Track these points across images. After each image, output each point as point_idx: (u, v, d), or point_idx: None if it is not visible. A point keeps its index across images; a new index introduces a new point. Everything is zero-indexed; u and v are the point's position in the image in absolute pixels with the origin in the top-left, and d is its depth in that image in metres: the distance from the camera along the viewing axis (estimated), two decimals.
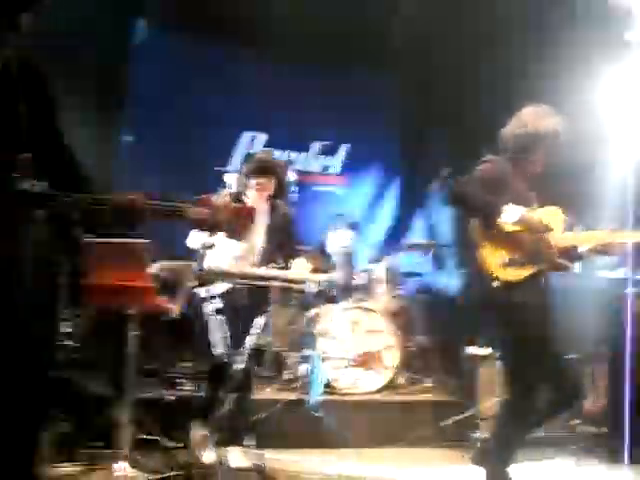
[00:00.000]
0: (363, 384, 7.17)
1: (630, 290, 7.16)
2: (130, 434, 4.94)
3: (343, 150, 10.30)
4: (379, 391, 7.21)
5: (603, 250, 4.82)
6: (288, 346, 7.43)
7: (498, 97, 7.82)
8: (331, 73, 9.61)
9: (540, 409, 4.65)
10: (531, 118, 4.87)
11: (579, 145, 5.08)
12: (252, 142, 9.70)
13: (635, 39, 6.22)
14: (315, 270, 5.65)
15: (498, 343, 4.98)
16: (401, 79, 9.95)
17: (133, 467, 4.92)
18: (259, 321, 5.29)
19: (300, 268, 5.49)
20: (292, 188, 7.83)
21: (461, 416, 6.67)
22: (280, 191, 5.88)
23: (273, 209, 5.85)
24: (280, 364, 7.38)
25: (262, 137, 9.76)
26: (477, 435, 6.36)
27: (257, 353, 5.91)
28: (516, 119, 4.93)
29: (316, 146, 10.17)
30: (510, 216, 4.56)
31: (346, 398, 7.01)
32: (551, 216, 4.83)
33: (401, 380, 7.48)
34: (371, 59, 9.30)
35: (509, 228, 4.61)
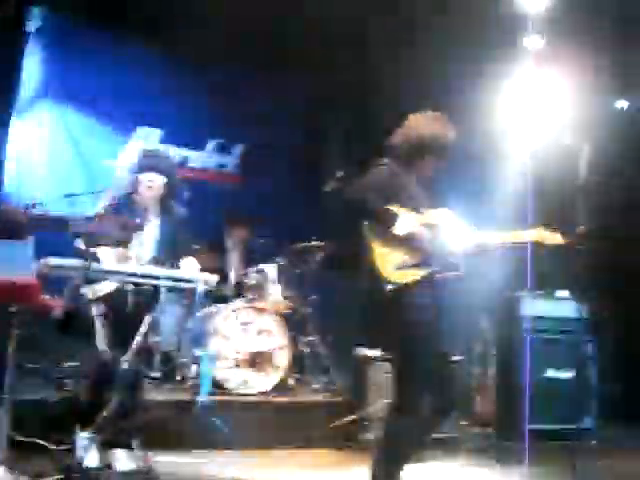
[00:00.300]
0: (254, 384, 7.12)
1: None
2: (6, 436, 4.77)
3: (240, 148, 10.21)
4: (270, 392, 7.16)
5: (482, 251, 4.87)
6: (178, 346, 7.32)
7: (400, 99, 7.91)
8: (233, 72, 9.51)
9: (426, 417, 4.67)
10: (418, 124, 4.90)
11: (473, 148, 5.14)
12: (145, 138, 9.51)
13: (531, 45, 6.32)
14: (206, 269, 5.57)
15: (388, 345, 4.98)
16: (304, 79, 9.92)
17: (11, 470, 4.75)
18: (147, 321, 5.18)
19: (189, 267, 5.41)
20: (185, 186, 7.71)
21: (351, 417, 6.68)
22: (171, 189, 5.78)
23: (163, 207, 5.74)
24: (170, 365, 7.27)
25: (156, 133, 9.60)
26: (366, 436, 6.38)
27: (146, 353, 5.80)
28: (404, 125, 4.96)
29: (212, 144, 10.06)
30: (401, 228, 4.58)
31: (236, 399, 6.94)
32: (442, 217, 4.87)
33: (292, 381, 7.46)
34: (275, 59, 9.24)
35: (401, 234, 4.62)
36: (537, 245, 4.95)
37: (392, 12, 8.13)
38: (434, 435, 6.39)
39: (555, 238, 4.96)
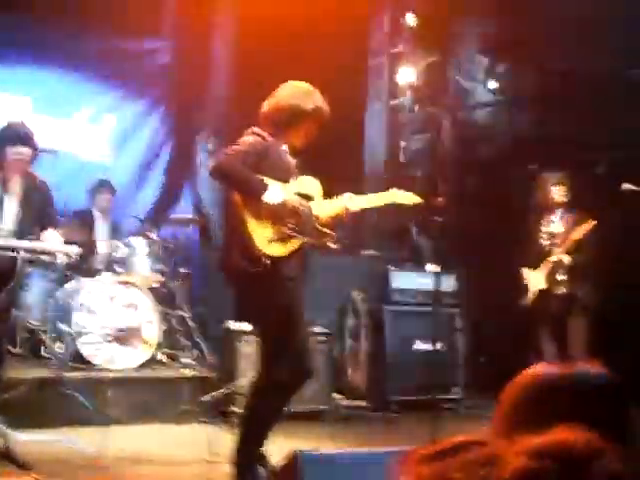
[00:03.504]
0: (122, 360, 6.97)
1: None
2: None
3: (110, 119, 9.95)
4: (138, 367, 7.04)
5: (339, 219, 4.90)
6: (43, 321, 7.11)
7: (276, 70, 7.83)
8: (100, 40, 9.23)
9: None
10: (291, 94, 4.86)
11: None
12: (13, 107, 9.14)
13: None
14: (73, 242, 5.42)
15: (257, 317, 4.93)
16: (177, 46, 9.72)
17: None
18: (6, 294, 5.00)
19: (51, 239, 5.24)
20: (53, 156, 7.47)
21: (221, 391, 6.63)
22: (36, 160, 5.61)
23: (27, 179, 5.56)
24: (34, 340, 7.07)
25: (24, 102, 9.24)
26: (235, 410, 6.34)
27: (6, 328, 5.62)
28: (276, 94, 4.91)
29: (81, 114, 9.77)
30: (272, 197, 4.54)
31: (104, 375, 6.78)
32: (310, 186, 4.86)
33: (161, 356, 7.35)
34: (145, 28, 9.03)
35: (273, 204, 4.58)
36: (393, 206, 5.00)
37: None
38: (306, 408, 6.53)
39: (411, 198, 5.01)
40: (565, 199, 6.98)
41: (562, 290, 6.89)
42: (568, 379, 1.41)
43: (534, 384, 1.42)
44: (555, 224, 6.97)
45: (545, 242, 6.97)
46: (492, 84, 9.24)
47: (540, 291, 6.94)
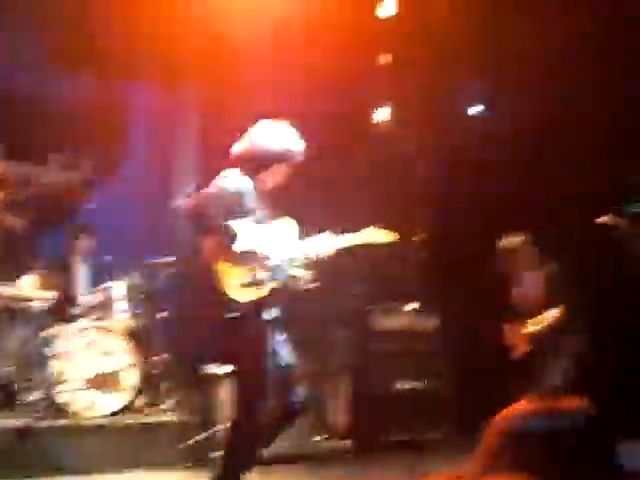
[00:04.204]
0: (100, 407, 6.87)
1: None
2: None
3: (88, 163, 9.88)
4: (117, 413, 6.94)
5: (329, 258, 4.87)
6: (19, 369, 7.00)
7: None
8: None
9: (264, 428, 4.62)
10: (262, 135, 4.84)
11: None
12: None
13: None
14: (50, 287, 5.38)
15: (233, 362, 4.90)
16: None
17: None
18: None
19: (27, 285, 5.19)
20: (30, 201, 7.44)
21: (201, 436, 6.55)
22: (9, 204, 5.58)
23: (2, 224, 5.52)
24: (10, 389, 6.96)
25: None
26: (217, 455, 6.26)
27: None
28: (249, 136, 4.89)
29: (57, 158, 9.70)
30: (242, 244, 4.52)
31: (82, 422, 6.69)
32: (285, 228, 4.83)
33: (141, 402, 7.25)
34: None
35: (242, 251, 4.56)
36: (372, 246, 4.98)
37: None
38: (289, 450, 6.46)
39: (388, 236, 4.99)
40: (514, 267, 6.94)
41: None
42: (539, 425, 1.39)
43: (507, 429, 1.40)
44: (525, 286, 6.88)
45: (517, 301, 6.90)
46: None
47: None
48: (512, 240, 6.84)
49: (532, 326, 6.71)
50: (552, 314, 6.61)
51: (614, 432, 1.44)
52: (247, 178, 4.79)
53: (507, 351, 6.95)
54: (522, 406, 1.48)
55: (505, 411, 1.48)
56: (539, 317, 6.67)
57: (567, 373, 6.59)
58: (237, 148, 4.88)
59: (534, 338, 6.66)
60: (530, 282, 6.74)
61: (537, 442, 1.39)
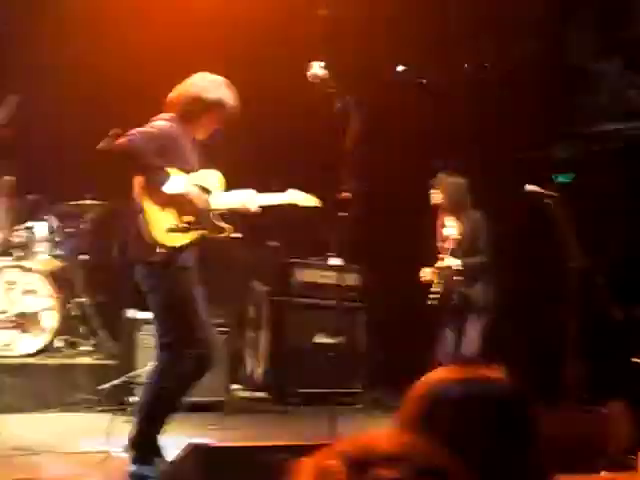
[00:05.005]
0: (19, 347, 6.84)
1: None
2: None
3: (13, 99, 9.65)
4: (36, 354, 6.91)
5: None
6: None
7: None
8: None
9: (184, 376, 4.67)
10: (200, 85, 4.85)
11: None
12: None
13: None
14: None
15: (156, 307, 4.90)
16: None
17: None
18: None
19: None
20: None
21: (118, 380, 6.57)
22: None
23: None
24: None
25: None
26: (133, 399, 6.30)
27: None
28: (185, 83, 4.89)
29: None
30: (172, 187, 4.52)
31: (1, 361, 6.66)
32: (211, 179, 4.85)
33: (59, 343, 7.23)
34: None
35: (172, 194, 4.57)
36: (292, 207, 5.04)
37: None
38: (207, 398, 6.51)
39: (310, 200, 5.06)
40: (442, 202, 7.01)
41: (457, 290, 6.90)
42: (457, 392, 1.44)
43: (424, 396, 1.45)
44: (448, 226, 6.95)
45: (440, 243, 6.99)
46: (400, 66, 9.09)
47: (437, 292, 6.94)
48: (453, 178, 6.92)
49: (446, 262, 6.80)
50: (468, 260, 6.76)
51: (530, 403, 1.51)
52: (181, 124, 4.79)
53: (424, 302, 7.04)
54: (442, 373, 1.54)
55: (425, 377, 1.53)
56: (456, 258, 6.79)
57: (481, 335, 6.77)
58: (173, 92, 4.87)
59: (447, 274, 6.76)
60: (456, 224, 6.82)
61: (455, 409, 1.45)
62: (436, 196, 6.90)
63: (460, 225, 6.77)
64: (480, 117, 8.53)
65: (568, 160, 8.50)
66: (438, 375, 1.51)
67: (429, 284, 6.81)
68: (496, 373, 1.52)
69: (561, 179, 8.33)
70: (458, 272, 6.78)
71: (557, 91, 8.61)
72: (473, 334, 6.83)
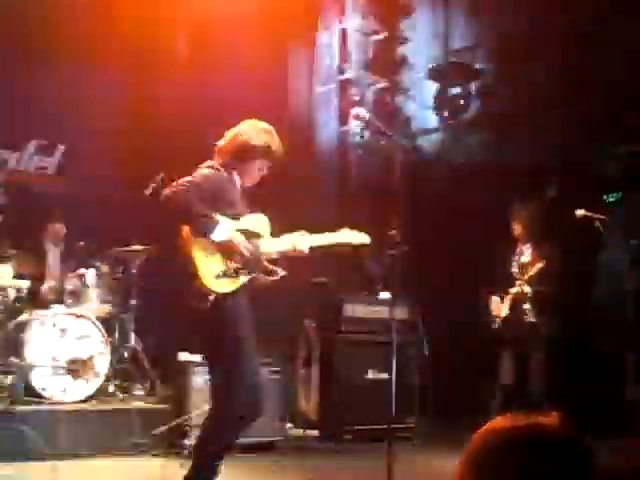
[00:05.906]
0: (73, 392, 6.91)
1: None
2: None
3: (61, 149, 9.85)
4: (89, 399, 6.98)
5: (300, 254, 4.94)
6: None
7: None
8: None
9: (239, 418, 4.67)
10: (247, 129, 4.90)
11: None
12: None
13: None
14: (23, 275, 5.39)
15: (207, 352, 4.94)
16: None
17: None
18: None
19: (1, 274, 5.21)
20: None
21: (172, 423, 6.59)
22: None
23: None
24: None
25: None
26: (187, 442, 6.32)
27: None
28: (234, 130, 4.94)
29: (32, 145, 9.67)
30: (220, 234, 4.56)
31: (55, 407, 6.73)
32: (259, 223, 4.88)
33: (112, 387, 7.29)
34: None
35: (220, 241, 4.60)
36: (344, 246, 5.05)
37: None
38: (259, 439, 6.51)
39: (361, 238, 5.06)
40: (520, 233, 7.13)
41: (525, 319, 6.98)
42: (517, 443, 1.43)
43: (485, 448, 1.44)
44: (525, 255, 7.11)
45: (515, 271, 7.11)
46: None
47: (504, 318, 7.04)
48: (530, 208, 7.09)
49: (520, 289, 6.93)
50: (541, 289, 6.85)
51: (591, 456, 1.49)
52: (226, 171, 4.84)
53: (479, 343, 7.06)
54: (500, 424, 1.53)
55: (485, 428, 1.52)
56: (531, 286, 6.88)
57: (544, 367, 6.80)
58: (222, 139, 4.93)
59: (519, 300, 6.84)
60: (532, 253, 6.98)
61: (519, 461, 1.44)
62: (515, 227, 7.08)
63: (535, 254, 6.92)
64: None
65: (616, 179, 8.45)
66: (500, 424, 1.49)
67: (479, 315, 6.87)
68: (559, 423, 1.50)
69: (611, 198, 8.31)
70: (530, 300, 6.88)
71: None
72: (534, 365, 6.86)
